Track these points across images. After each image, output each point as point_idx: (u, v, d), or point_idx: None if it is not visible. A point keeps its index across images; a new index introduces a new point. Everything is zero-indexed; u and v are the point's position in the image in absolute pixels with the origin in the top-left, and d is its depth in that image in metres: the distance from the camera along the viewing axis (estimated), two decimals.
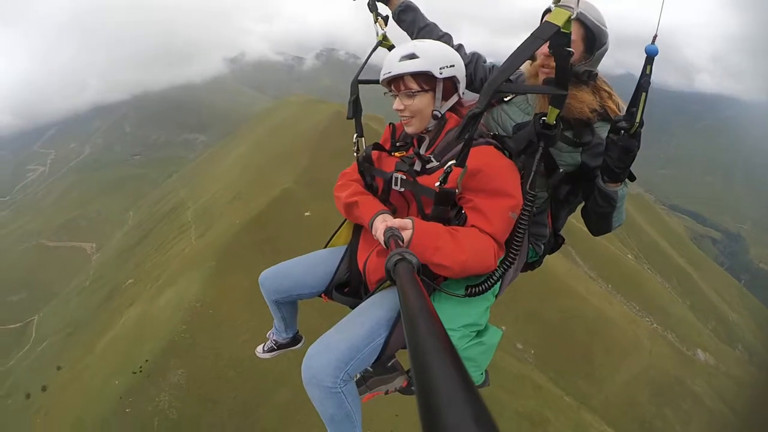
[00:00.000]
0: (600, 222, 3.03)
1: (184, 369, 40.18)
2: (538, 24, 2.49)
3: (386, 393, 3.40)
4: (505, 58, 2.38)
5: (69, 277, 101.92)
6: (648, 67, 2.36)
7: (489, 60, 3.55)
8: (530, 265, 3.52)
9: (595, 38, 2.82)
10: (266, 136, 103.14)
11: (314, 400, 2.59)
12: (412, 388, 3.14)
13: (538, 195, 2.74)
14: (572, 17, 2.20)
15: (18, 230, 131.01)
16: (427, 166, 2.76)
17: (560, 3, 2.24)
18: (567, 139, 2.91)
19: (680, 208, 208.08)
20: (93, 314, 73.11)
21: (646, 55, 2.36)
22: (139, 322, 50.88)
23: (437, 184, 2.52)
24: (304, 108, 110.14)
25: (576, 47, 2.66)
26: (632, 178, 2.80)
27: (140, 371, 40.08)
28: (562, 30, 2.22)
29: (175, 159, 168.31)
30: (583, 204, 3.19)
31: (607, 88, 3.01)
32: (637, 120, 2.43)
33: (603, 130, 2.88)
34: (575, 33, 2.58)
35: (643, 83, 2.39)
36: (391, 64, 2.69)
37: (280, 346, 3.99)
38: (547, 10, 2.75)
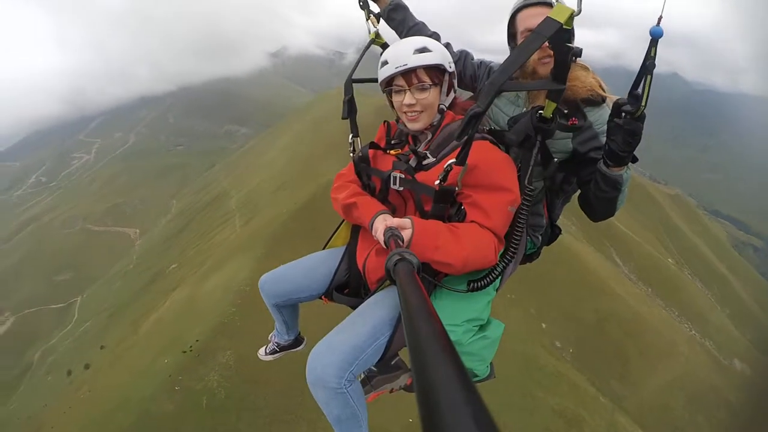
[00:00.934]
0: (604, 207, 2.92)
1: (233, 350, 40.02)
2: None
3: (391, 392, 3.39)
4: (506, 57, 2.46)
5: (112, 260, 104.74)
6: (653, 49, 2.25)
7: (476, 57, 3.58)
8: (528, 257, 3.54)
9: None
10: (309, 128, 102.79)
11: (319, 401, 2.56)
12: None
13: (535, 187, 2.73)
14: (575, 14, 2.22)
15: (64, 214, 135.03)
16: (424, 163, 2.75)
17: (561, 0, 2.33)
18: (560, 125, 2.75)
19: (722, 214, 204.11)
20: (136, 296, 74.66)
21: (650, 38, 2.25)
22: (186, 305, 51.36)
23: (437, 182, 2.51)
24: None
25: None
26: (635, 159, 2.63)
27: (190, 350, 40.19)
28: (564, 27, 2.25)
29: (217, 150, 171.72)
30: (580, 193, 3.14)
31: (585, 65, 2.97)
32: (643, 104, 2.33)
33: (591, 114, 2.91)
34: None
35: (648, 66, 2.26)
36: (404, 56, 2.62)
37: (282, 348, 3.98)
38: (519, 9, 2.98)
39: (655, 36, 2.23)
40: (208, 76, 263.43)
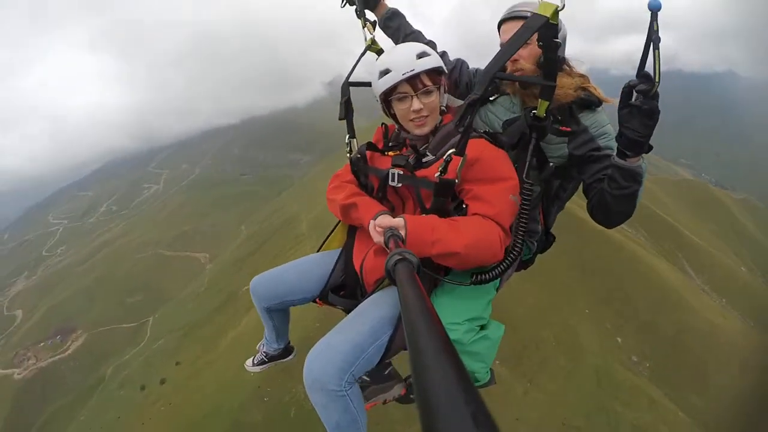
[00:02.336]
0: (624, 205, 2.74)
1: None
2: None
3: (384, 402, 3.29)
4: (499, 50, 2.57)
5: (183, 283, 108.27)
6: (654, 23, 2.21)
7: (472, 66, 3.57)
8: (524, 264, 3.43)
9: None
10: None
11: (318, 406, 2.44)
12: (411, 396, 3.19)
13: (533, 188, 2.71)
14: (559, 9, 2.27)
15: (136, 240, 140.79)
16: (423, 160, 2.74)
17: None
18: (554, 129, 2.83)
19: None
20: (210, 317, 76.84)
21: (650, 12, 2.22)
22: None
23: (437, 174, 2.51)
24: None
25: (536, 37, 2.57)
26: (650, 148, 2.54)
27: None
28: (550, 21, 2.30)
29: (282, 177, 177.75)
30: (588, 201, 3.01)
31: (581, 72, 2.96)
32: (657, 79, 2.26)
33: (586, 119, 2.88)
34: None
35: (654, 40, 2.22)
36: (409, 62, 2.63)
37: (270, 358, 3.82)
38: (501, 22, 3.01)
39: (654, 9, 2.21)
40: (269, 108, 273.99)
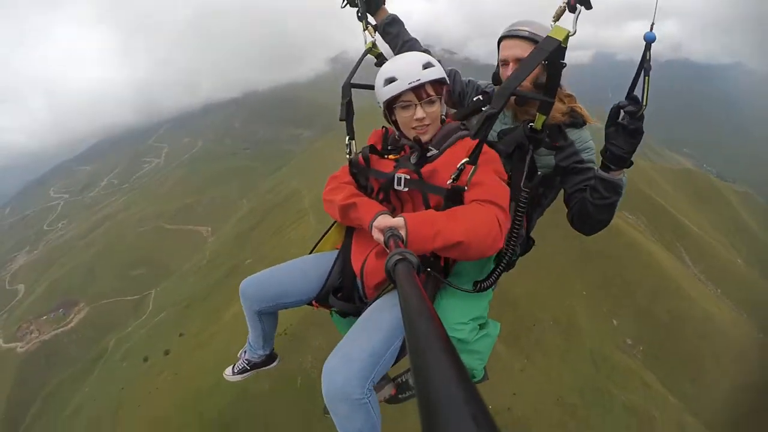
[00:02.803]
0: (603, 214, 2.96)
1: (324, 336, 40.75)
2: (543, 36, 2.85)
3: None
4: (516, 67, 2.78)
5: (185, 256, 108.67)
6: (647, 53, 2.46)
7: (464, 77, 3.74)
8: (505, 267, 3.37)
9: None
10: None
11: (339, 416, 2.43)
12: (400, 396, 3.33)
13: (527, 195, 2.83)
14: (570, 35, 2.46)
15: (138, 213, 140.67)
16: (428, 155, 2.81)
17: (557, 23, 2.55)
18: (544, 143, 2.99)
19: None
20: (211, 290, 77.05)
21: (645, 42, 2.45)
22: None
23: (449, 181, 2.59)
24: None
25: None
26: (631, 163, 2.76)
27: (285, 334, 41.18)
28: (561, 45, 2.49)
29: (283, 152, 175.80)
30: (568, 211, 3.23)
31: (569, 93, 3.21)
32: (645, 103, 2.49)
33: (572, 134, 3.10)
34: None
35: (646, 68, 2.46)
36: (415, 72, 2.70)
37: (253, 366, 3.69)
38: (501, 38, 3.20)
39: (649, 41, 2.42)
40: (271, 82, 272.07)
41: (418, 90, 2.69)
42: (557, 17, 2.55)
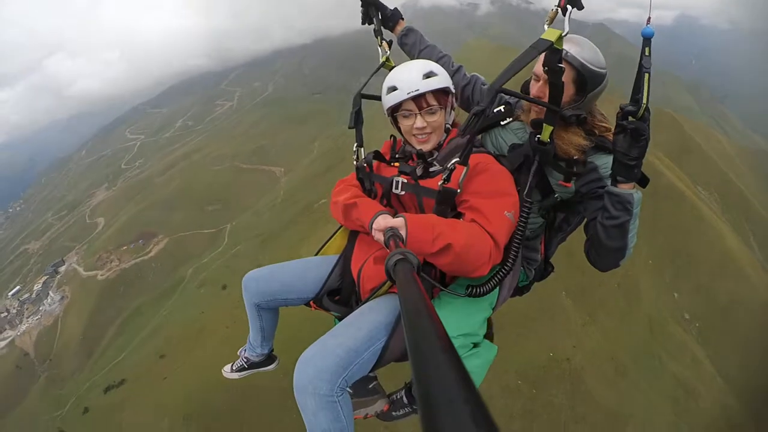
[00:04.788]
0: (615, 240, 2.72)
1: None
2: None
3: (365, 417, 3.12)
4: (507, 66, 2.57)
5: (259, 195, 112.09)
6: (646, 48, 2.39)
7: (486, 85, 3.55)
8: (520, 290, 3.44)
9: (586, 80, 2.77)
10: None
11: (306, 411, 2.37)
12: (393, 413, 3.17)
13: (531, 218, 2.76)
14: (563, 35, 2.36)
15: (212, 153, 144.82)
16: (431, 170, 2.78)
17: (552, 25, 2.46)
18: (560, 168, 2.84)
19: None
20: (287, 225, 79.22)
21: (643, 38, 2.39)
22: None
23: (440, 183, 2.58)
24: (493, 55, 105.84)
25: (567, 89, 2.67)
26: (644, 182, 2.68)
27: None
28: (554, 46, 2.39)
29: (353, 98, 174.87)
30: (585, 240, 3.02)
31: (605, 124, 2.97)
32: (645, 102, 2.40)
33: (598, 159, 2.86)
34: (566, 75, 2.61)
35: (645, 64, 2.38)
36: (414, 82, 2.68)
37: (251, 365, 3.66)
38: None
39: (647, 36, 2.35)
40: (341, 30, 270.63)
41: (418, 99, 2.65)
42: (550, 20, 2.46)
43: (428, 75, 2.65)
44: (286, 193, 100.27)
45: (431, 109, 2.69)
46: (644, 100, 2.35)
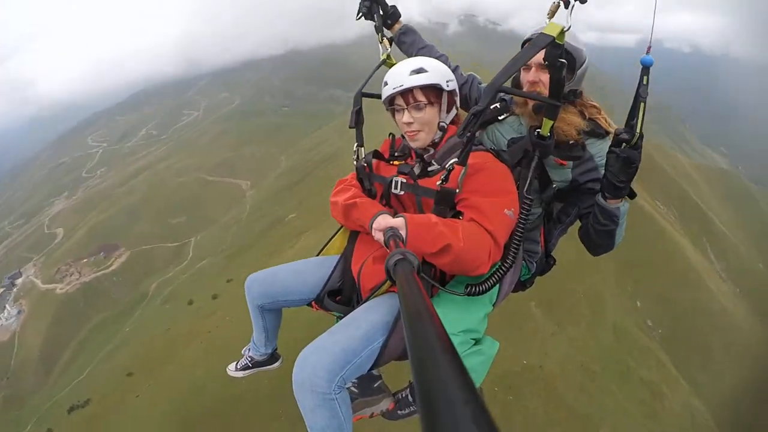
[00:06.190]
0: (603, 240, 2.94)
1: None
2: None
3: (371, 416, 3.15)
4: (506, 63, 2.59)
5: (225, 208, 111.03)
6: (644, 77, 2.42)
7: (483, 84, 3.55)
8: (522, 284, 3.47)
9: (574, 59, 2.87)
10: None
11: (305, 408, 2.41)
12: (399, 412, 3.17)
13: (532, 210, 2.75)
14: (565, 30, 2.39)
15: (177, 164, 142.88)
16: (429, 169, 2.77)
17: (553, 19, 2.47)
18: (558, 154, 2.91)
19: None
20: (254, 240, 78.69)
21: (641, 66, 2.43)
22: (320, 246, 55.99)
23: (438, 183, 2.59)
24: None
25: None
26: (632, 195, 2.77)
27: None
28: (556, 41, 2.41)
29: (322, 112, 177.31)
30: (579, 226, 3.16)
31: (594, 104, 3.07)
32: (638, 131, 2.45)
33: (593, 146, 2.94)
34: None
35: (641, 93, 2.42)
36: (401, 78, 2.73)
37: (255, 364, 3.69)
38: (525, 41, 2.97)
39: (646, 65, 2.39)
40: (313, 42, 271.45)
41: (405, 95, 2.72)
42: (552, 14, 2.46)
43: (417, 71, 2.70)
44: (253, 207, 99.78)
45: (418, 105, 2.73)
46: (638, 128, 2.42)
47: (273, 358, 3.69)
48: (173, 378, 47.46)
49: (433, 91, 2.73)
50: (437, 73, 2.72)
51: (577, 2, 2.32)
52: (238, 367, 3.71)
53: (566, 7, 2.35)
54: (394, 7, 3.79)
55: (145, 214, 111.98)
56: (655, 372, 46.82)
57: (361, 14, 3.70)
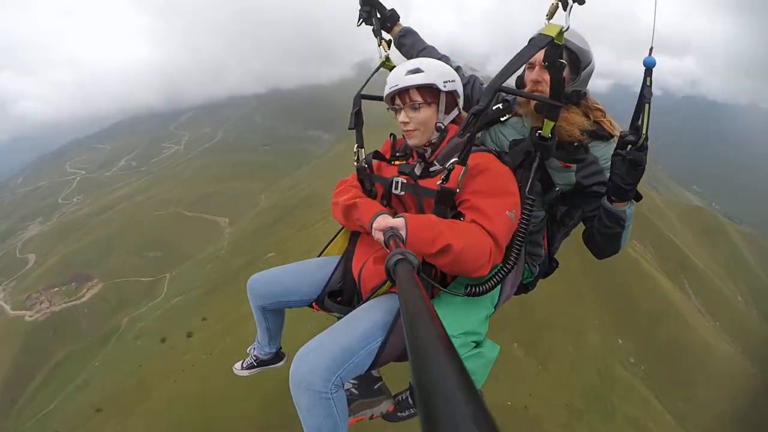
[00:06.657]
0: (609, 243, 2.96)
1: None
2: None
3: (371, 418, 3.22)
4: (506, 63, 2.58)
5: (202, 244, 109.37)
6: (648, 78, 2.40)
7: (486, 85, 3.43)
8: (525, 287, 3.51)
9: (579, 59, 2.91)
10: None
11: (301, 407, 2.43)
12: (399, 414, 3.23)
13: (534, 213, 2.79)
14: (563, 30, 2.41)
15: (156, 197, 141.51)
16: (431, 170, 2.79)
17: (552, 20, 2.50)
18: (561, 156, 2.94)
19: None
20: (232, 278, 77.07)
21: (644, 68, 2.40)
22: None
23: (438, 183, 2.59)
24: None
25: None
26: (638, 197, 2.73)
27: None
28: (555, 41, 2.43)
29: (303, 152, 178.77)
30: (584, 230, 3.17)
31: (599, 107, 3.09)
32: (644, 132, 2.45)
33: (597, 149, 2.98)
34: None
35: (645, 94, 2.40)
36: (397, 78, 2.78)
37: (260, 363, 3.82)
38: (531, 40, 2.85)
39: (649, 65, 2.35)
40: (296, 81, 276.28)
41: (402, 95, 2.81)
42: (551, 15, 2.52)
43: (413, 71, 2.73)
44: (231, 244, 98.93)
45: (414, 104, 2.76)
46: (644, 130, 2.41)
47: (278, 356, 3.81)
48: (146, 416, 46.85)
49: (429, 91, 2.78)
50: (433, 73, 2.77)
51: (576, 3, 2.40)
52: (244, 366, 3.83)
53: (564, 8, 2.41)
54: (392, 9, 3.87)
55: (121, 246, 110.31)
56: (640, 408, 47.89)
57: (361, 20, 3.80)
